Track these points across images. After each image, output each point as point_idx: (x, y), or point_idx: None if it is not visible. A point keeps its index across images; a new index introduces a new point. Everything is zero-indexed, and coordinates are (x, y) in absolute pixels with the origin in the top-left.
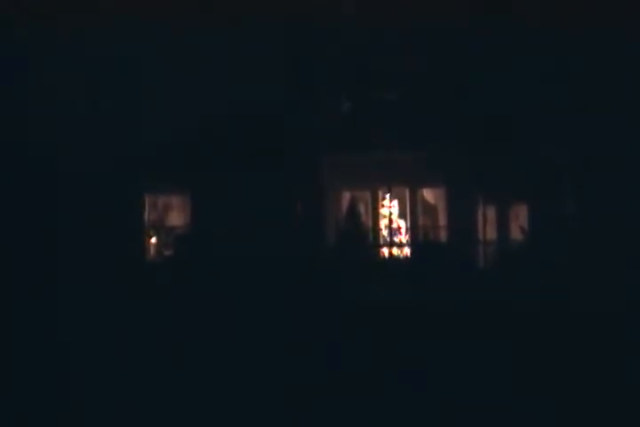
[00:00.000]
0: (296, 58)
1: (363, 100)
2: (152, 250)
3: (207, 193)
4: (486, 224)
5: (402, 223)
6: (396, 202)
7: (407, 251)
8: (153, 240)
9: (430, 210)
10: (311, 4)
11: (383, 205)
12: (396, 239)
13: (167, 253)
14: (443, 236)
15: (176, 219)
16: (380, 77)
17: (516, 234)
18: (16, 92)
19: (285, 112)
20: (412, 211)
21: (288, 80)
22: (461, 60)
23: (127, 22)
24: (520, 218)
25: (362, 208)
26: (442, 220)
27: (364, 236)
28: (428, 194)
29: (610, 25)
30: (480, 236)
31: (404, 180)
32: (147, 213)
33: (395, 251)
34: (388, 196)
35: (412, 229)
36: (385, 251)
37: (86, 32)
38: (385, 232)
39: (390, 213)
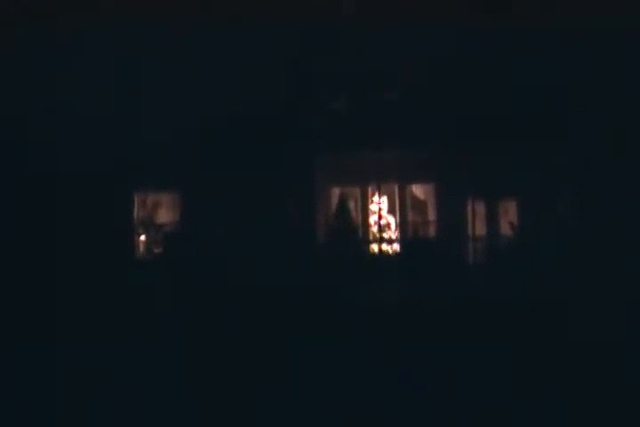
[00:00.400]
0: (295, 58)
1: (354, 99)
2: (141, 247)
3: (197, 191)
4: (475, 220)
5: (391, 219)
6: (385, 198)
7: (397, 247)
8: (142, 238)
9: (419, 206)
10: (311, 3)
11: (373, 202)
12: (386, 235)
13: (157, 250)
14: (432, 231)
15: (165, 216)
16: (378, 77)
17: (505, 229)
18: (16, 92)
19: (277, 111)
20: (401, 207)
21: (286, 80)
22: (457, 60)
23: (127, 22)
24: (509, 214)
25: (351, 205)
26: (431, 215)
27: (354, 232)
28: (418, 190)
29: (610, 25)
30: (469, 231)
31: (393, 176)
32: (136, 211)
33: (384, 247)
34: (377, 192)
35: (402, 225)
36: (375, 247)
37: (86, 32)
38: (374, 228)
39: (380, 210)
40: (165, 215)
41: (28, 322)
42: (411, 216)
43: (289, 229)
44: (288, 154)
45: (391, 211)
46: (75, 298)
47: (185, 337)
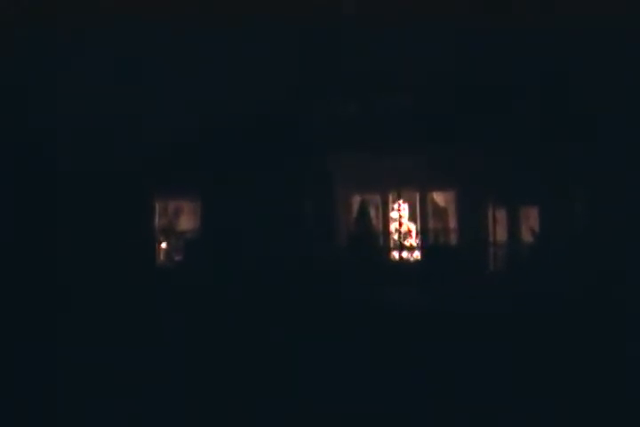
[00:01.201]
0: (300, 59)
1: (372, 103)
2: (162, 255)
3: (218, 197)
4: (496, 226)
5: (412, 227)
6: (406, 205)
7: (417, 254)
8: (163, 245)
9: (440, 213)
10: (311, 3)
11: (393, 209)
12: (407, 243)
13: (177, 257)
14: (453, 239)
15: (186, 223)
16: (387, 79)
17: (526, 236)
18: (16, 93)
19: (292, 115)
20: (422, 214)
21: (296, 81)
22: (467, 61)
23: (127, 22)
24: (530, 220)
25: (372, 212)
26: (452, 223)
27: (375, 239)
28: (438, 197)
29: (610, 25)
30: (490, 238)
31: (413, 183)
32: (157, 218)
33: (405, 254)
34: (398, 199)
35: (423, 233)
36: (395, 254)
37: (86, 32)
38: (395, 236)
39: (400, 217)
40: (186, 221)
41: (40, 330)
42: (431, 223)
43: (309, 235)
44: (307, 160)
45: (412, 218)
46: (91, 306)
47: (202, 342)
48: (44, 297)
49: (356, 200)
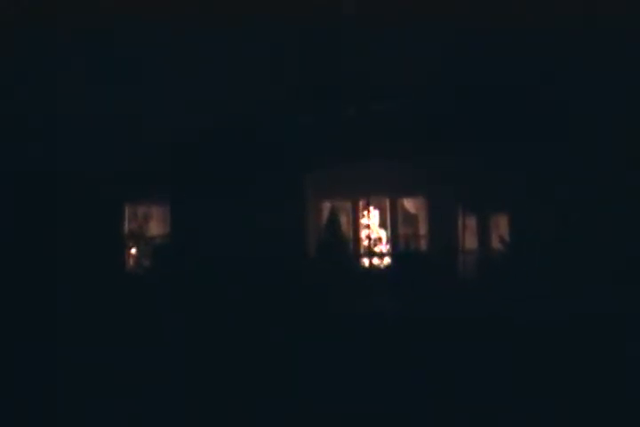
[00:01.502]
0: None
1: (345, 108)
2: (131, 261)
3: (187, 203)
4: (466, 234)
5: (382, 233)
6: (376, 212)
7: (388, 261)
8: (132, 251)
9: (411, 220)
10: (311, 3)
11: (363, 216)
12: (377, 249)
13: (147, 263)
14: (423, 245)
15: (156, 229)
16: (377, 82)
17: (496, 244)
18: (16, 93)
19: (268, 119)
20: (392, 221)
21: (296, 82)
22: (456, 66)
23: (127, 22)
24: (500, 228)
25: (342, 218)
26: (422, 229)
27: (345, 246)
28: (409, 204)
29: (610, 25)
30: (460, 245)
31: (384, 190)
32: (126, 223)
33: (375, 261)
34: (368, 206)
35: (393, 239)
36: (366, 261)
37: (86, 32)
38: (365, 242)
39: (368, 223)
40: (155, 227)
41: (16, 335)
42: (402, 230)
43: (279, 242)
44: (279, 166)
45: (382, 225)
46: (59, 313)
47: (174, 351)
48: (17, 305)
49: (327, 206)
